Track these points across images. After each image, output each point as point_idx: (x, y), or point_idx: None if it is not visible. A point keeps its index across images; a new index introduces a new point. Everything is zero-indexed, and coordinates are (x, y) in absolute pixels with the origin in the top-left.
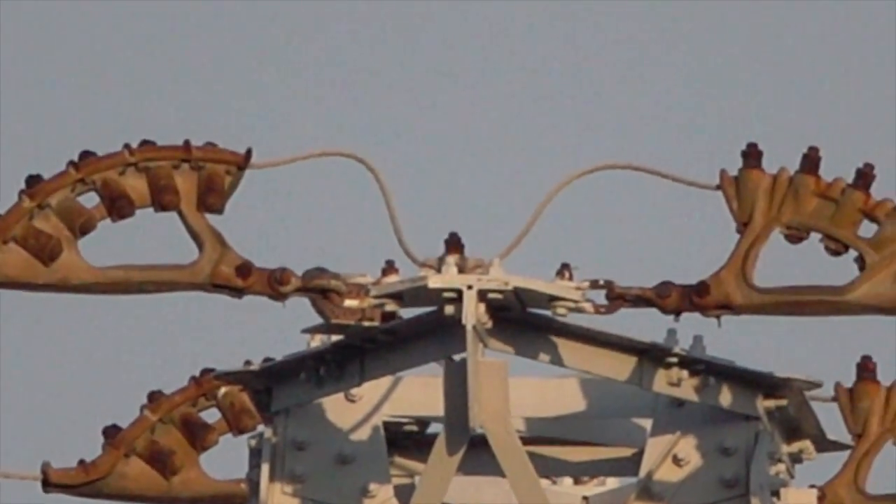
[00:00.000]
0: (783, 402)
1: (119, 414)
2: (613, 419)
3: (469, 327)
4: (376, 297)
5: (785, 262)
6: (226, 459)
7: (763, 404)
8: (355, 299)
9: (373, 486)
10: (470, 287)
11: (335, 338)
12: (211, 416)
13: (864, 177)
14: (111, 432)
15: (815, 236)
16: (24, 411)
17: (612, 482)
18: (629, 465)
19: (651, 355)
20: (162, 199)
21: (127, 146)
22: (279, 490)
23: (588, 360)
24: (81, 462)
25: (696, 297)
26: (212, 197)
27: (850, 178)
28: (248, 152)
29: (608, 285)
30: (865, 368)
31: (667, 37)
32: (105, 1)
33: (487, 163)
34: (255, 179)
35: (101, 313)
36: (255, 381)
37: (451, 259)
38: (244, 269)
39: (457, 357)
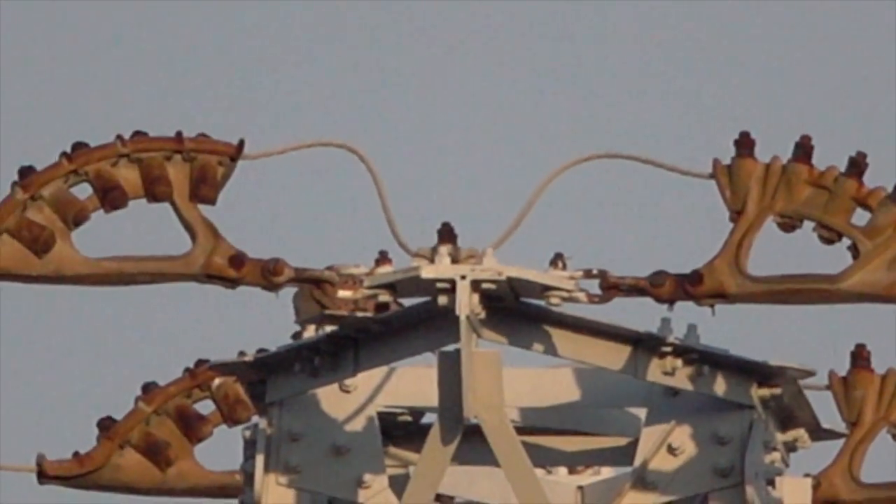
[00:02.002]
0: (777, 391)
1: (114, 405)
2: (608, 409)
3: (462, 317)
4: (370, 287)
5: (778, 251)
6: (220, 451)
7: (757, 393)
8: (349, 290)
9: (367, 477)
10: (463, 277)
11: (329, 328)
12: (205, 407)
13: (857, 165)
14: (106, 424)
15: (808, 225)
16: (19, 404)
17: (606, 471)
18: (624, 455)
19: (645, 344)
20: (155, 189)
21: (119, 137)
22: (274, 481)
23: (582, 349)
24: (76, 454)
25: (689, 286)
26: (204, 188)
27: (843, 167)
28: (241, 143)
29: (602, 275)
30: (860, 356)
31: (661, 27)
32: None
33: (480, 152)
34: (247, 170)
35: (95, 305)
36: (249, 372)
37: (445, 249)
38: (237, 259)
39: (450, 347)
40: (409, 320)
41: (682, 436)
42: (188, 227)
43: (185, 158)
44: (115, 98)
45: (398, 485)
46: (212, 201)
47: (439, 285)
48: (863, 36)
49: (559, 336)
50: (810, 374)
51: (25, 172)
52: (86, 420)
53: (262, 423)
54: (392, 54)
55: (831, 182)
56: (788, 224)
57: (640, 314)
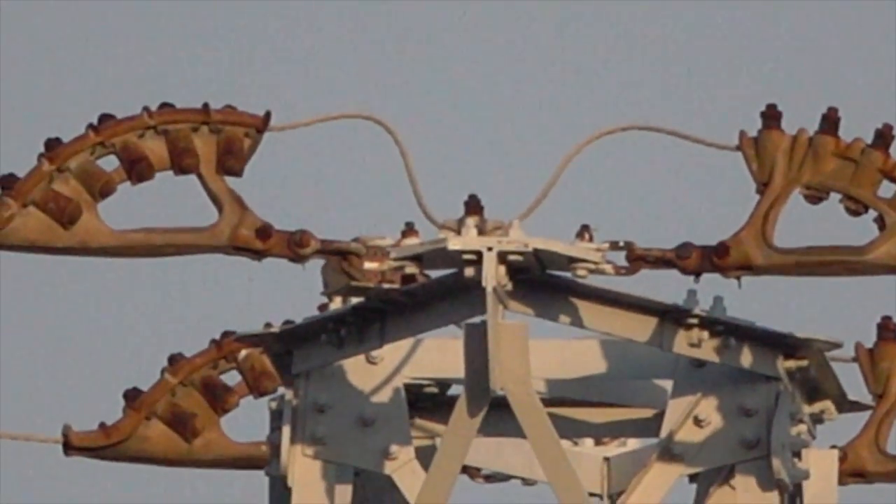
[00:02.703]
0: (804, 363)
1: (140, 377)
2: (634, 380)
3: (489, 289)
4: (396, 259)
5: (805, 223)
6: (247, 422)
7: (784, 365)
8: (375, 262)
9: (394, 448)
10: (490, 249)
11: (356, 300)
12: (231, 378)
13: (884, 137)
14: (132, 395)
15: (834, 196)
16: (45, 374)
17: (633, 443)
18: (650, 426)
19: (671, 316)
20: (181, 161)
21: (146, 109)
22: (300, 452)
23: (608, 321)
24: (102, 425)
25: (716, 258)
26: (231, 160)
27: (869, 139)
28: (267, 115)
29: (628, 246)
30: (886, 328)
31: None
32: None
33: (507, 124)
34: (274, 142)
35: (121, 276)
36: (275, 344)
37: (471, 221)
38: (264, 231)
39: (477, 319)
40: (435, 292)
41: (709, 408)
42: (214, 198)
43: (211, 130)
44: (142, 70)
45: (425, 456)
46: (238, 173)
47: (466, 257)
48: (891, 7)
49: (585, 308)
50: (837, 345)
51: (52, 144)
52: (112, 391)
53: (289, 394)
54: (418, 25)
55: (858, 154)
56: (815, 196)
57: (667, 286)
